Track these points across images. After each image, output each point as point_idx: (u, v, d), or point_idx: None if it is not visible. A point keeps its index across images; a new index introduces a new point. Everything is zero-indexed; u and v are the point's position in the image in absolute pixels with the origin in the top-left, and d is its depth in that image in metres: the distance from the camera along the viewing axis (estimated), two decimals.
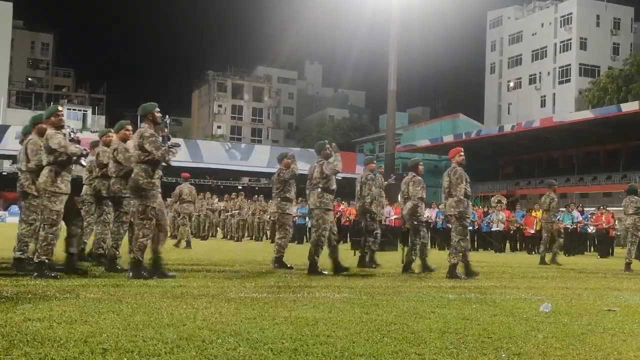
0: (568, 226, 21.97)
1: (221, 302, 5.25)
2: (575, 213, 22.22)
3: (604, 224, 21.29)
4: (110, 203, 8.24)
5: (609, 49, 64.18)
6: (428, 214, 23.66)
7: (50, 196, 6.91)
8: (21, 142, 7.94)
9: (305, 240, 24.29)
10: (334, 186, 8.99)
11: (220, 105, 75.78)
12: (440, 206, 21.52)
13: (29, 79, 74.48)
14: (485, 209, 24.24)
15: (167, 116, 7.57)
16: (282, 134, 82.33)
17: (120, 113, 70.31)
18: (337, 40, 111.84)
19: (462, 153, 9.32)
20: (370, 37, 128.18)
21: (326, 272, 8.75)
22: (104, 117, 65.80)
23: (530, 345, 3.90)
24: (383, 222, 14.43)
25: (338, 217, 21.51)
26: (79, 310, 4.56)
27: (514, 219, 22.36)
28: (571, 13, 63.61)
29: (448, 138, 53.46)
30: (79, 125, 57.31)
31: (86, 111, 63.77)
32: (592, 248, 22.92)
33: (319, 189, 8.85)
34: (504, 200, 23.71)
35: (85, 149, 7.30)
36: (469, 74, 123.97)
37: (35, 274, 6.77)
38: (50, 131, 7.03)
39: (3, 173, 53.60)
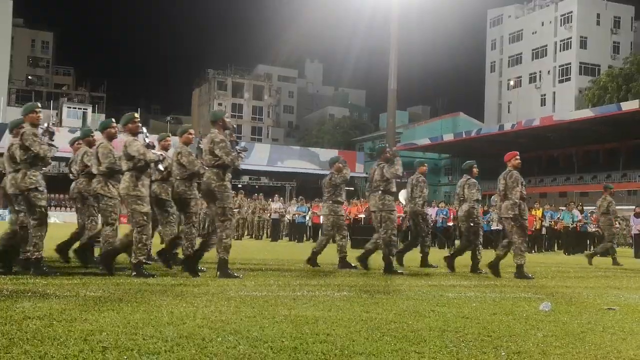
0: (568, 225, 22.01)
1: (221, 301, 5.25)
2: (575, 212, 22.23)
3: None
4: (173, 205, 8.33)
5: (609, 48, 64.15)
6: (428, 212, 23.71)
7: (136, 199, 7.23)
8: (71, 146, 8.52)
9: (305, 238, 24.32)
10: (394, 189, 9.37)
11: (220, 104, 75.73)
12: (492, 208, 21.69)
13: (29, 77, 74.44)
14: (485, 208, 24.24)
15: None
16: (282, 132, 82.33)
17: (121, 111, 70.53)
18: (337, 39, 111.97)
19: (518, 157, 9.54)
20: (371, 36, 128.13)
21: (402, 271, 9.20)
22: (104, 115, 65.71)
23: (530, 344, 3.90)
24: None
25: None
26: (78, 308, 4.56)
27: None
28: (571, 12, 63.58)
29: (448, 137, 53.49)
30: (79, 123, 57.29)
31: (86, 109, 63.68)
32: (591, 247, 22.91)
33: (380, 192, 9.22)
34: None
35: (161, 154, 7.56)
36: (469, 72, 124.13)
37: (134, 273, 7.09)
38: (128, 138, 7.33)
39: (4, 172, 53.60)
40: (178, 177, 8.16)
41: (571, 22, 63.49)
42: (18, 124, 7.32)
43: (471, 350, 3.65)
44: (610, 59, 63.06)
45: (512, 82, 68.67)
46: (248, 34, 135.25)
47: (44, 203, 7.07)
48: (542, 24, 66.58)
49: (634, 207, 23.69)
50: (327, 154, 48.68)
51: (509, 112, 68.83)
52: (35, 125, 7.08)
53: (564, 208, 23.56)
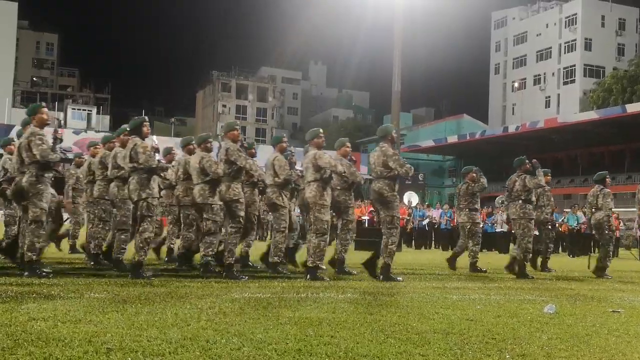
0: (573, 227, 21.96)
1: (225, 302, 5.25)
2: (580, 214, 22.17)
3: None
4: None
5: (613, 50, 64.01)
6: (433, 214, 23.71)
7: (320, 208, 7.75)
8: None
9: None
10: (534, 198, 10.03)
11: (224, 106, 75.83)
12: (496, 210, 21.85)
13: (34, 78, 74.64)
14: (489, 210, 24.20)
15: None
16: (286, 134, 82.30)
17: (125, 113, 70.59)
18: (341, 41, 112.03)
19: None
20: (374, 38, 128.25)
21: (532, 276, 9.55)
22: (108, 117, 65.88)
23: (534, 347, 3.89)
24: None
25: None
26: (83, 309, 4.57)
27: None
28: (576, 14, 63.46)
29: (452, 139, 53.43)
30: (84, 125, 57.44)
31: (91, 111, 63.80)
32: (596, 249, 22.84)
33: (520, 201, 9.74)
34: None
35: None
36: (474, 74, 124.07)
37: (308, 276, 7.64)
38: (319, 152, 7.94)
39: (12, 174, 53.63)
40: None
41: (576, 24, 63.36)
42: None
43: (475, 353, 3.64)
44: (615, 61, 62.89)
45: (516, 84, 68.56)
46: (252, 36, 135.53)
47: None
48: (547, 26, 66.47)
49: (636, 209, 23.61)
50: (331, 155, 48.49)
51: (513, 114, 68.71)
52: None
53: (568, 210, 23.53)
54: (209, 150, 7.95)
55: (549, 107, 65.05)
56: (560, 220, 22.75)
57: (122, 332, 3.76)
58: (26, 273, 6.79)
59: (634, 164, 45.27)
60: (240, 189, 7.84)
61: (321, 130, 8.21)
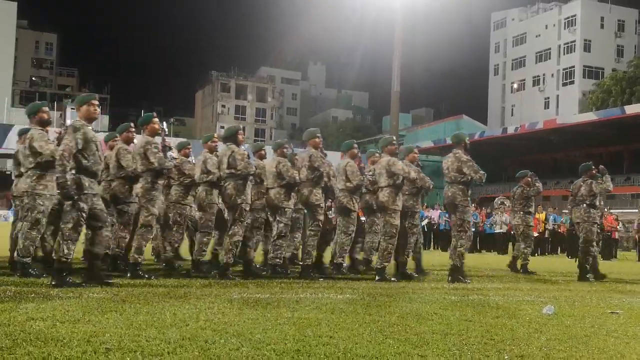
0: (572, 228, 21.96)
1: (224, 303, 5.25)
2: None
3: (607, 226, 21.23)
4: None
5: (613, 51, 64.07)
6: (432, 215, 23.71)
7: (392, 213, 8.09)
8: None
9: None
10: (597, 202, 10.13)
11: (223, 106, 75.82)
12: (494, 211, 21.93)
13: (33, 78, 74.61)
14: (489, 211, 24.22)
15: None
16: (285, 134, 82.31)
17: (124, 113, 70.48)
18: (340, 41, 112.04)
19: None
20: (374, 38, 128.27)
21: (592, 279, 9.77)
22: (107, 116, 65.81)
23: (533, 348, 3.89)
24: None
25: None
26: (82, 309, 4.56)
27: None
28: (575, 15, 63.52)
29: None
30: None
31: None
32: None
33: (585, 205, 9.98)
34: (507, 202, 23.68)
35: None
36: (473, 75, 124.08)
37: (377, 277, 8.00)
38: (392, 159, 8.26)
39: (7, 172, 53.59)
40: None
41: (575, 25, 63.41)
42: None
43: (474, 354, 3.64)
44: (614, 62, 62.98)
45: (515, 85, 68.59)
46: (251, 36, 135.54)
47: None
48: (546, 27, 66.52)
49: (637, 210, 23.63)
50: (331, 156, 48.59)
51: (512, 115, 68.76)
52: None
53: (567, 211, 23.52)
54: (284, 155, 8.33)
55: (548, 108, 65.09)
56: (559, 222, 22.78)
57: (120, 332, 3.76)
58: (129, 274, 7.05)
59: (633, 165, 45.32)
60: (321, 194, 8.19)
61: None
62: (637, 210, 24.01)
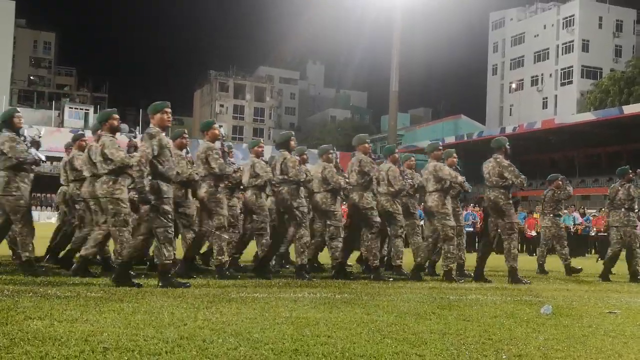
0: (569, 228, 21.96)
1: (222, 302, 5.25)
2: (576, 215, 22.19)
3: (604, 227, 21.24)
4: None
5: (611, 51, 64.09)
6: None
7: (444, 216, 8.41)
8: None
9: None
10: (637, 207, 10.45)
11: (222, 105, 75.74)
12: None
13: (31, 77, 74.45)
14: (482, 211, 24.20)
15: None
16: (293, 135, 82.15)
17: (123, 112, 70.36)
18: (339, 41, 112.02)
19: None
20: (373, 38, 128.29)
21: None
22: None
23: (531, 347, 3.89)
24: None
25: None
26: (79, 309, 4.56)
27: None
28: (573, 15, 63.52)
29: (450, 139, 53.37)
30: (81, 124, 57.30)
31: (88, 110, 63.67)
32: (593, 250, 22.90)
33: (624, 209, 10.18)
34: None
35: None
36: (471, 75, 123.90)
37: (445, 278, 8.39)
38: (439, 164, 8.56)
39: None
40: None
41: (573, 25, 63.42)
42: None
43: (472, 353, 3.65)
44: (612, 62, 62.99)
45: (514, 85, 68.59)
46: (250, 36, 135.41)
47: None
48: (544, 27, 66.53)
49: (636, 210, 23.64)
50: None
51: (510, 114, 68.76)
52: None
53: (565, 211, 23.51)
54: (329, 160, 8.44)
55: (546, 108, 65.10)
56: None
57: (118, 332, 3.76)
58: (216, 275, 7.43)
59: (631, 166, 45.17)
60: (372, 198, 8.42)
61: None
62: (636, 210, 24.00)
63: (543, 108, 65.24)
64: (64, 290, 5.67)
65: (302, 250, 7.83)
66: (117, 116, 7.12)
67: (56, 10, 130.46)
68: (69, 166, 8.06)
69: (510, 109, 69.39)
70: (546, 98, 65.86)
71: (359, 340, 3.85)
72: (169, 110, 6.48)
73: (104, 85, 75.97)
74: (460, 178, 8.56)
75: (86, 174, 7.29)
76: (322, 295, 6.16)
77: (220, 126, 8.11)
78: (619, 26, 64.93)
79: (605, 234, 21.44)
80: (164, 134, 6.39)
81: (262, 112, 77.93)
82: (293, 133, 8.37)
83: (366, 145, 8.53)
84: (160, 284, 6.21)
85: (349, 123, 77.35)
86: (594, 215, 22.61)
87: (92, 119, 61.33)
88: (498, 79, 71.79)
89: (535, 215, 21.18)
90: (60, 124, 57.05)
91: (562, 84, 64.31)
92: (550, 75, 65.50)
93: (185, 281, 6.53)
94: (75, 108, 63.21)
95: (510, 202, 8.66)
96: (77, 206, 8.02)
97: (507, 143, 8.83)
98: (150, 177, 6.15)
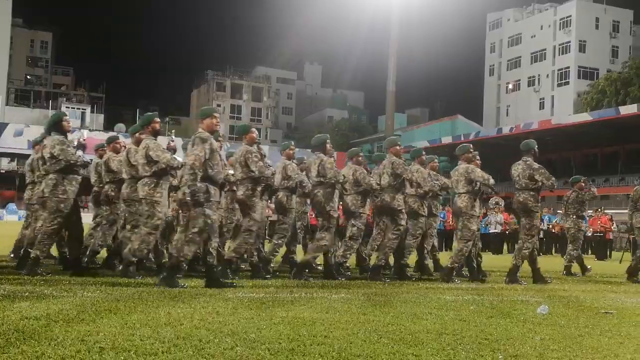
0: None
1: (219, 302, 5.25)
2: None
3: (601, 227, 21.31)
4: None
5: (608, 52, 64.23)
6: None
7: (470, 217, 8.50)
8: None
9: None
10: None
11: (219, 105, 75.60)
12: (490, 211, 22.01)
13: (28, 77, 74.27)
14: (484, 211, 24.25)
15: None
16: (280, 134, 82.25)
17: (119, 112, 70.25)
18: (336, 41, 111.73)
19: None
20: (370, 38, 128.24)
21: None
22: (102, 115, 65.67)
23: (527, 347, 3.90)
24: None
25: None
26: (76, 309, 4.55)
27: (512, 221, 22.37)
28: (570, 16, 63.64)
29: (447, 139, 53.46)
30: (78, 124, 57.23)
31: (85, 110, 63.61)
32: (589, 250, 22.94)
33: None
34: (502, 202, 23.75)
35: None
36: (468, 75, 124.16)
37: (445, 277, 8.39)
38: (471, 166, 8.63)
39: (1, 171, 53.42)
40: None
41: (570, 26, 63.53)
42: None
43: (468, 353, 3.65)
44: (609, 63, 63.12)
45: (510, 86, 68.70)
46: (247, 36, 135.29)
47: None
48: (541, 28, 66.63)
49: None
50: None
51: (507, 115, 68.85)
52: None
53: (561, 211, 23.55)
54: (359, 163, 8.65)
55: (543, 108, 65.19)
56: (553, 222, 22.82)
57: (115, 331, 3.75)
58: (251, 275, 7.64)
59: (628, 166, 45.42)
60: (403, 200, 8.53)
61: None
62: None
63: (540, 109, 65.33)
64: (61, 290, 5.66)
65: (316, 251, 7.95)
66: (158, 120, 7.39)
67: (53, 10, 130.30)
68: (105, 168, 8.12)
69: (507, 109, 69.48)
70: (543, 98, 65.96)
71: (355, 340, 3.85)
72: (218, 115, 6.78)
73: (101, 85, 75.86)
74: (492, 180, 8.69)
75: (125, 176, 7.52)
76: (318, 295, 6.16)
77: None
78: (616, 27, 65.08)
79: (601, 234, 21.64)
80: (213, 138, 6.57)
81: (259, 112, 77.90)
82: (328, 136, 8.55)
83: (397, 147, 8.70)
84: (160, 278, 6.29)
85: (346, 123, 77.38)
86: (590, 215, 22.64)
87: (89, 118, 61.38)
88: (495, 80, 71.87)
89: None
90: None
91: (559, 85, 64.43)
92: (547, 75, 65.61)
93: (230, 282, 6.70)
94: (72, 108, 63.10)
95: (539, 204, 8.82)
96: (113, 207, 8.19)
97: (536, 146, 8.97)
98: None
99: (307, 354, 3.42)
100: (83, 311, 4.45)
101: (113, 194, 7.96)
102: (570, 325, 4.89)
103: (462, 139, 51.29)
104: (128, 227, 7.54)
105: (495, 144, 50.75)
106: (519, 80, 68.65)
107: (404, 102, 76.53)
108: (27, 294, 5.31)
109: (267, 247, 8.27)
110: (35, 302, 4.79)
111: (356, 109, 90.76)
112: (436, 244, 10.56)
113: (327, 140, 8.25)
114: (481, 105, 73.68)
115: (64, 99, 67.90)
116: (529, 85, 67.55)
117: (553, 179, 8.63)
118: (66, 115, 7.37)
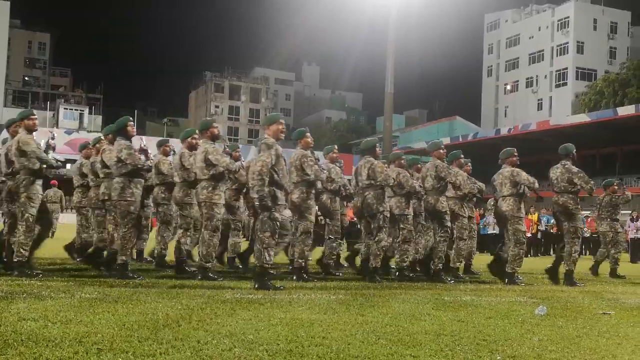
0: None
1: (217, 303, 5.24)
2: None
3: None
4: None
5: (605, 53, 64.32)
6: None
7: (518, 220, 8.56)
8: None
9: None
10: None
11: (217, 106, 75.66)
12: (487, 212, 21.93)
13: (26, 78, 74.18)
14: (481, 212, 24.22)
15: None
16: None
17: (117, 113, 70.14)
18: (335, 42, 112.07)
19: None
20: (368, 39, 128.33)
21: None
22: (100, 117, 65.58)
23: (525, 348, 3.90)
24: None
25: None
26: (74, 310, 4.55)
27: None
28: (568, 17, 63.72)
29: (445, 140, 53.44)
30: (76, 125, 57.21)
31: (83, 111, 63.52)
32: (587, 251, 22.95)
33: None
34: None
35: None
36: (466, 76, 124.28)
37: (507, 281, 8.50)
38: (516, 169, 8.74)
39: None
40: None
41: (568, 27, 63.61)
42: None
43: (467, 354, 3.65)
44: (607, 64, 63.20)
45: (508, 87, 68.75)
46: (245, 37, 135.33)
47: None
48: (539, 29, 66.71)
49: (629, 212, 23.71)
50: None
51: (505, 116, 68.91)
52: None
53: (594, 214, 23.53)
54: (402, 166, 8.75)
55: (541, 109, 65.26)
56: (551, 223, 22.79)
57: (113, 333, 3.75)
58: (294, 277, 7.64)
59: (625, 167, 45.46)
60: (446, 202, 8.70)
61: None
62: (629, 212, 24.06)
63: (538, 109, 65.39)
64: (58, 291, 5.65)
65: (378, 253, 8.07)
66: (217, 125, 7.65)
67: (51, 11, 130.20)
68: (155, 170, 8.37)
69: (505, 110, 69.53)
70: (541, 99, 66.03)
71: (353, 341, 3.85)
72: (284, 122, 7.05)
73: (99, 86, 75.78)
74: (537, 184, 8.72)
75: (176, 179, 7.81)
76: (316, 296, 6.16)
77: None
78: (614, 28, 65.18)
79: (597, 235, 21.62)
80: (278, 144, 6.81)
81: (258, 113, 77.86)
82: (378, 139, 8.67)
83: (441, 151, 8.81)
84: (256, 286, 6.49)
85: (344, 124, 77.38)
86: (587, 216, 22.67)
87: (87, 119, 61.31)
88: (493, 81, 71.93)
89: (529, 216, 21.21)
90: (55, 124, 56.88)
91: (557, 86, 64.49)
92: (545, 76, 65.68)
93: (280, 285, 6.76)
94: (70, 109, 63.06)
95: (579, 206, 8.94)
96: (159, 209, 8.60)
97: (574, 150, 9.13)
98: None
99: (305, 355, 3.42)
100: (81, 312, 4.45)
101: (163, 195, 8.44)
102: (568, 326, 4.90)
103: (460, 140, 51.43)
104: (180, 231, 7.94)
105: (493, 144, 50.77)
106: (517, 81, 68.72)
107: (402, 103, 76.55)
108: (24, 295, 5.30)
109: (296, 249, 8.01)
110: (32, 303, 4.79)
111: (354, 110, 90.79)
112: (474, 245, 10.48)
113: (377, 145, 8.39)
114: (479, 106, 73.76)
115: (62, 100, 67.84)
116: (527, 86, 67.62)
117: (592, 182, 8.78)
118: (131, 121, 7.52)
